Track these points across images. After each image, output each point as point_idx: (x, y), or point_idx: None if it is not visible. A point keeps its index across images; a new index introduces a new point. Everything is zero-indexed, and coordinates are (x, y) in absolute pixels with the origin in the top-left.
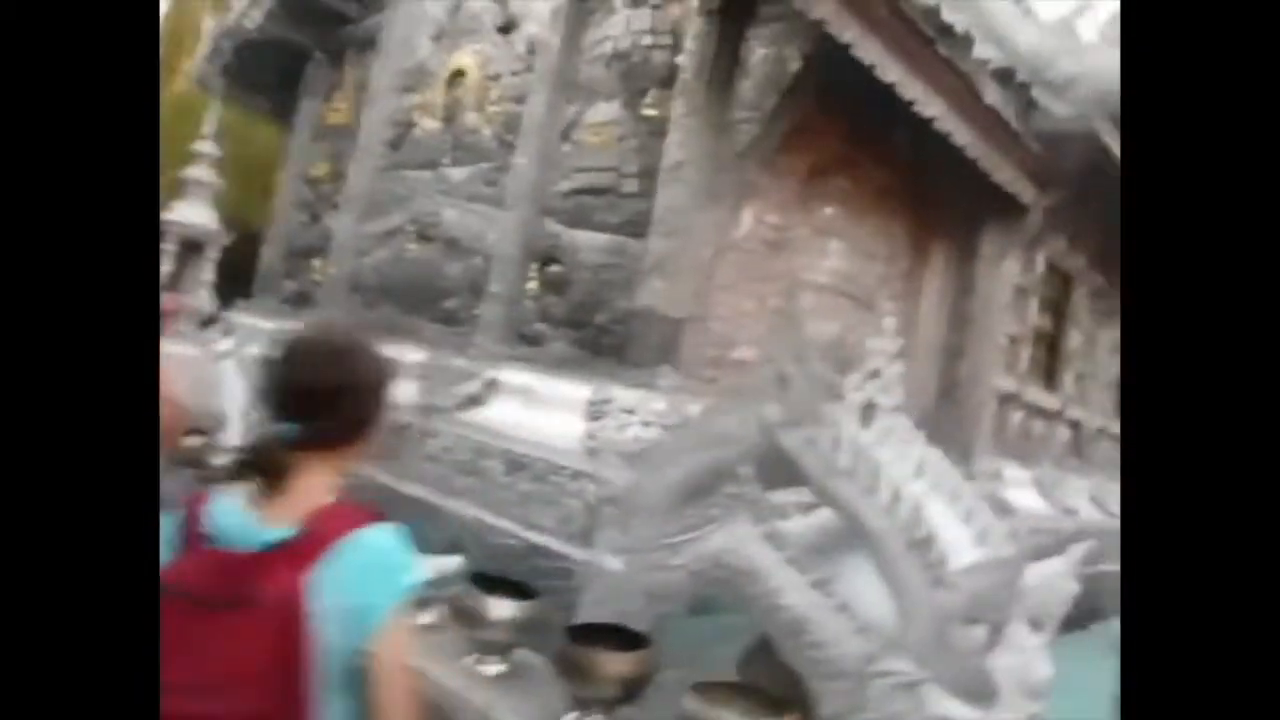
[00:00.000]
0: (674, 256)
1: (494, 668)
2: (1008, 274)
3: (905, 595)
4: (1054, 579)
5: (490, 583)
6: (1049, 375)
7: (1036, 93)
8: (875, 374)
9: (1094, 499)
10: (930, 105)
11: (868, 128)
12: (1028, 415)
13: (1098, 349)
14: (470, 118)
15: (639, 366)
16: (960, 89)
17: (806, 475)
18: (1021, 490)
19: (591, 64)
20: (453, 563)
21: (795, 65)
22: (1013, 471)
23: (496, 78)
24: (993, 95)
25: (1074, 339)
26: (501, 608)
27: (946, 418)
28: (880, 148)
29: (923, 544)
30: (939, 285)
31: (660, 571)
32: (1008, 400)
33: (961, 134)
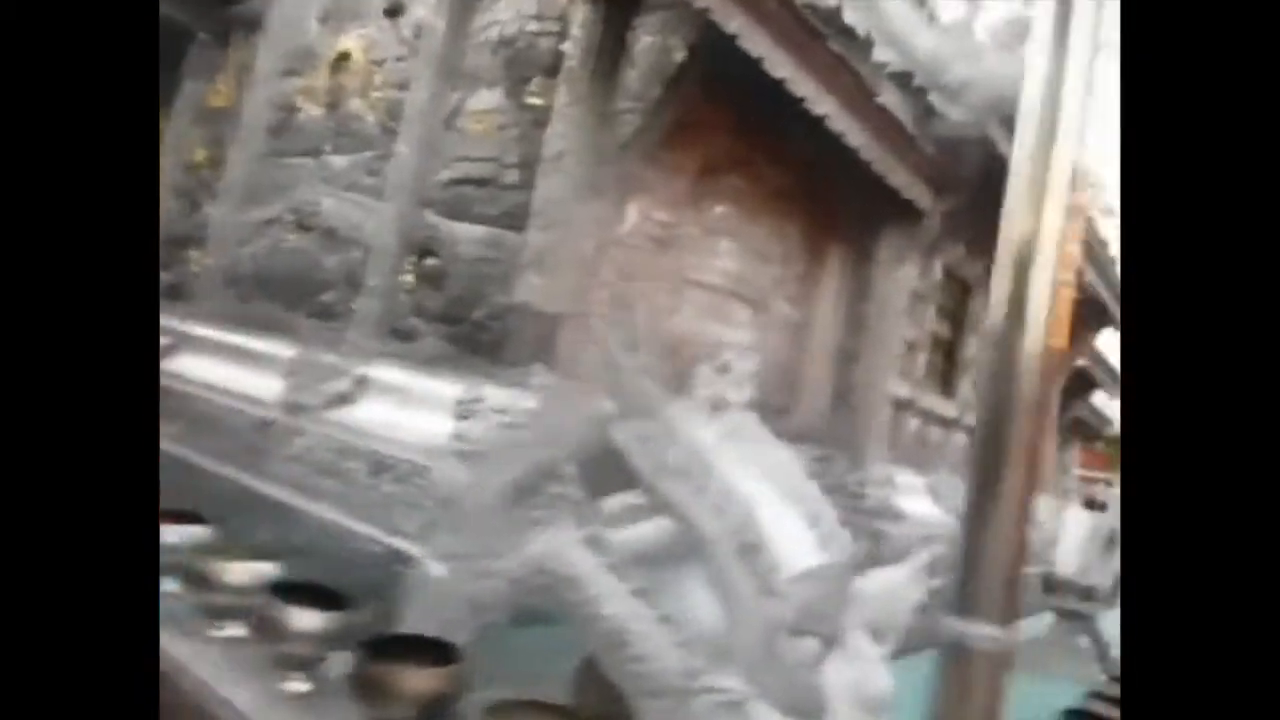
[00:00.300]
0: (552, 250)
1: (297, 686)
2: (904, 279)
3: (734, 605)
4: (896, 586)
5: (302, 591)
6: (946, 382)
7: (933, 97)
8: (725, 368)
9: None
10: (822, 103)
11: (759, 125)
12: (924, 422)
13: None
14: (354, 104)
15: (513, 364)
16: (854, 89)
17: (637, 474)
18: (915, 497)
19: (477, 50)
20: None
21: (680, 55)
22: (907, 478)
23: (381, 63)
24: (890, 98)
25: (971, 346)
26: (305, 619)
27: (841, 423)
28: (774, 146)
29: (752, 549)
30: (835, 289)
31: (483, 579)
32: (904, 406)
33: (855, 135)
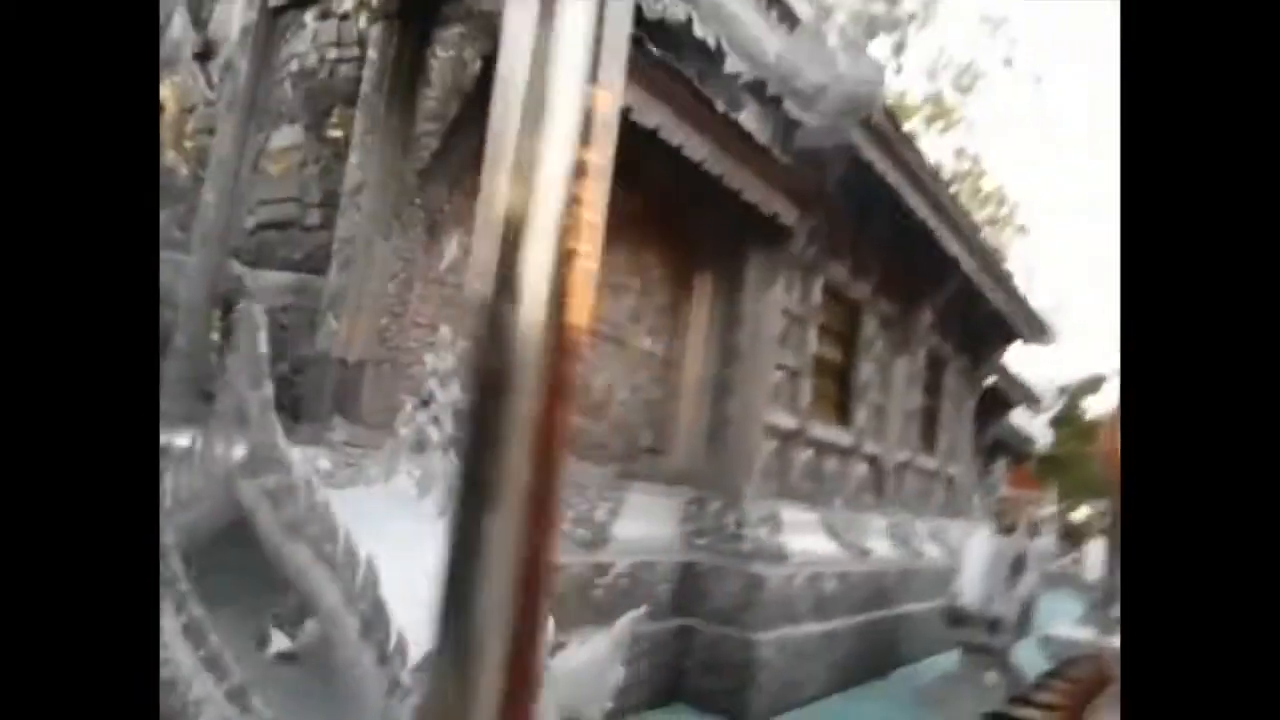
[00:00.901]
0: (352, 293)
1: None
2: (776, 302)
3: (350, 704)
4: (591, 665)
5: None
6: (839, 409)
7: (788, 105)
8: (427, 401)
9: (894, 536)
10: (651, 115)
11: None
12: (817, 453)
13: (893, 380)
14: (169, 156)
15: (313, 419)
16: (694, 103)
17: (260, 536)
18: (806, 534)
19: (280, 85)
20: None
21: (476, 66)
22: (795, 514)
23: (192, 109)
24: (742, 112)
25: (865, 371)
26: None
27: (717, 460)
28: (621, 170)
29: (374, 625)
30: (703, 318)
31: None
32: (791, 437)
33: (705, 154)
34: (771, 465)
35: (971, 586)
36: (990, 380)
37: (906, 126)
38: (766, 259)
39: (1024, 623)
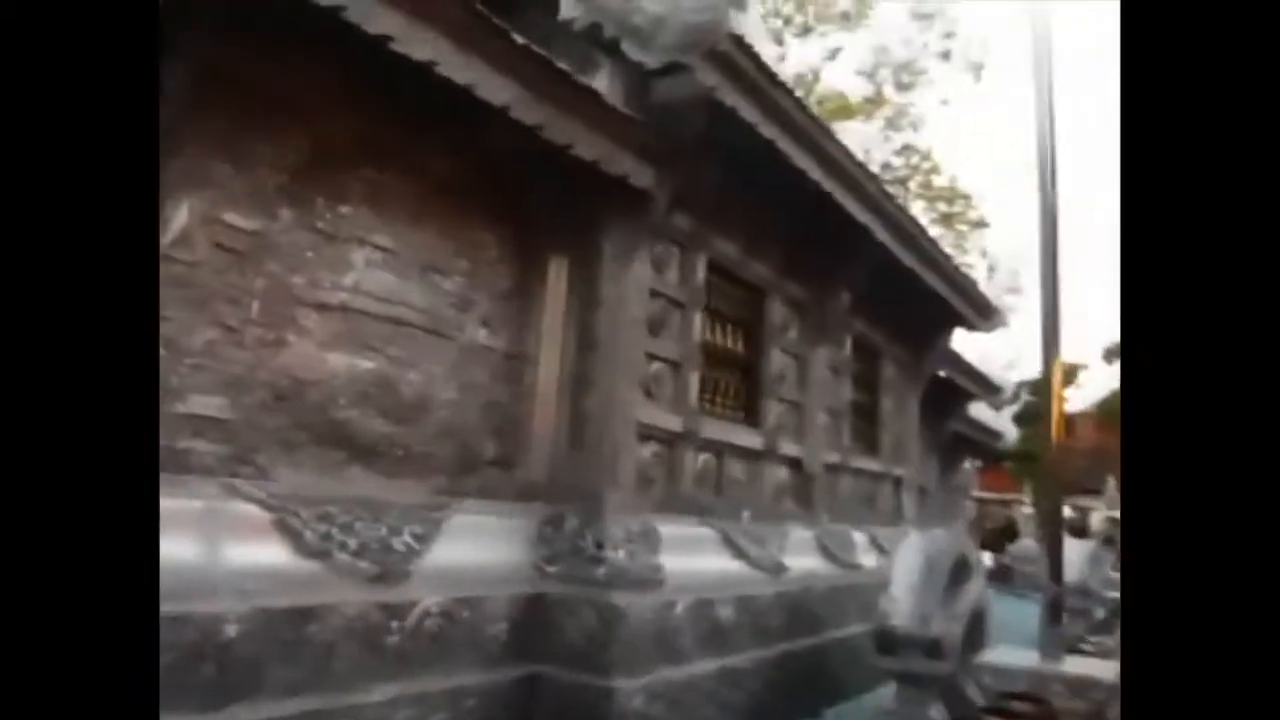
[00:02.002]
0: None
1: None
2: (639, 281)
3: None
4: None
5: None
6: (747, 408)
7: (626, 46)
8: None
9: (824, 549)
10: (465, 71)
11: (403, 104)
12: (715, 458)
13: (812, 373)
14: None
15: None
16: (518, 58)
17: None
18: (697, 552)
19: None
20: None
21: None
22: (680, 529)
23: None
24: (597, 71)
25: (775, 363)
26: None
27: (577, 471)
28: (432, 131)
29: None
30: (561, 307)
31: None
32: (676, 441)
33: (528, 109)
34: (649, 473)
35: (902, 602)
36: (940, 371)
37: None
38: (623, 231)
39: (974, 642)
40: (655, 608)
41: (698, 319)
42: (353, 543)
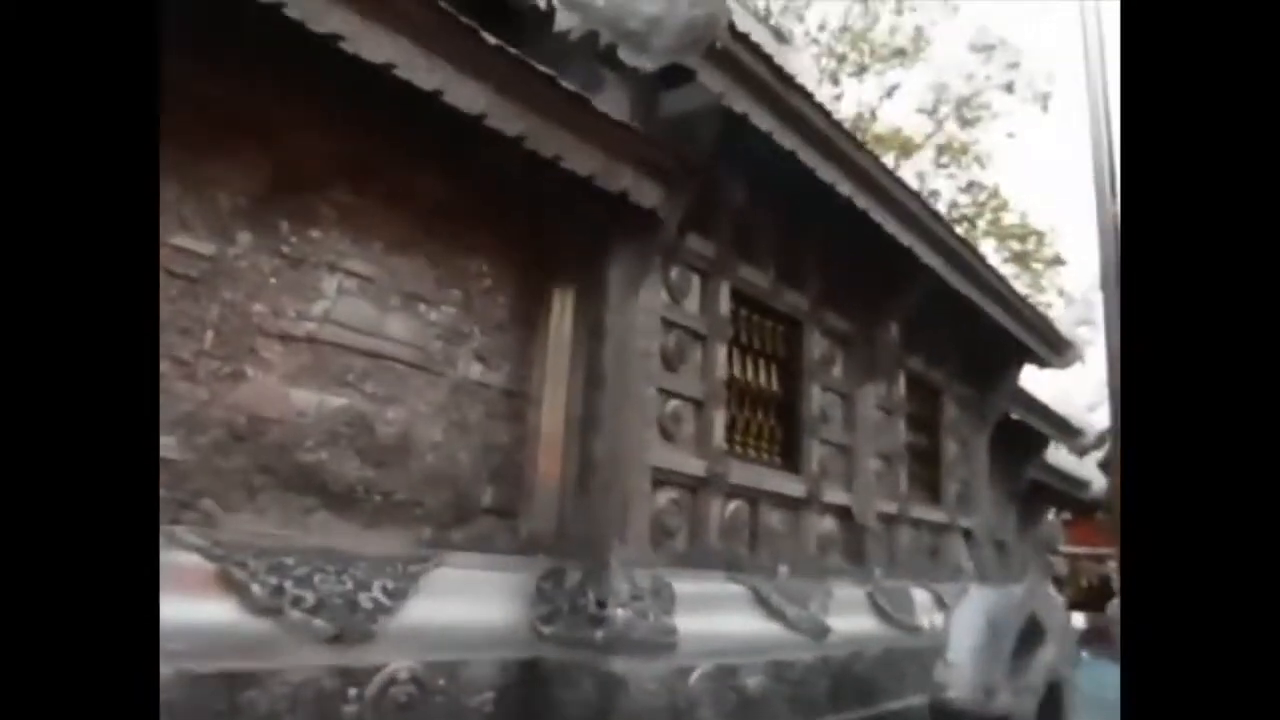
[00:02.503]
0: None
1: None
2: (648, 310)
3: None
4: None
5: None
6: (786, 452)
7: (623, 52)
8: None
9: (879, 609)
10: (416, 69)
11: (381, 122)
12: (749, 506)
13: (860, 413)
14: None
15: None
16: (520, 77)
17: None
18: (722, 611)
19: None
20: None
21: None
22: (703, 586)
23: None
24: (602, 89)
25: (817, 402)
26: None
27: (583, 521)
28: (416, 149)
29: None
30: (567, 340)
31: None
32: (698, 487)
33: (533, 129)
34: (667, 522)
35: (961, 671)
36: (1010, 413)
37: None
38: (629, 256)
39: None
40: (664, 676)
41: (722, 352)
42: (309, 598)
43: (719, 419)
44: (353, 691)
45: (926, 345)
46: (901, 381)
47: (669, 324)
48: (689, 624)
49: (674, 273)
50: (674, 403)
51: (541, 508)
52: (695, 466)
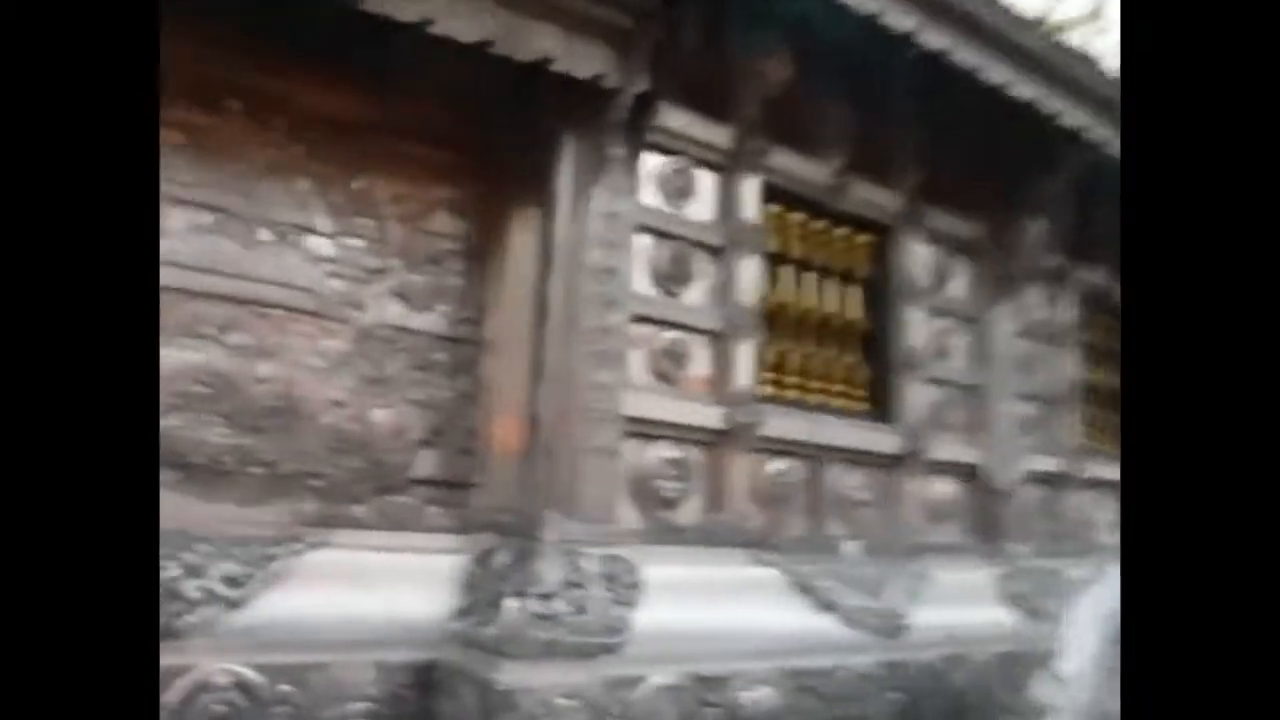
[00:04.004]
0: None
1: None
2: (609, 216)
3: None
4: None
5: None
6: (874, 396)
7: None
8: None
9: (1017, 598)
10: None
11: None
12: (809, 467)
13: (994, 344)
14: None
15: None
16: None
17: None
18: (746, 600)
19: None
20: None
21: None
22: (714, 571)
23: None
24: None
25: (921, 329)
26: None
27: (531, 484)
28: (282, 50)
29: None
30: (526, 274)
31: None
32: (719, 442)
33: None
34: (659, 489)
35: (1075, 686)
36: None
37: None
38: (581, 149)
39: None
40: (586, 687)
41: (750, 269)
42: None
43: (746, 354)
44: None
45: (1091, 250)
46: (1049, 298)
47: (660, 234)
48: (666, 618)
49: (667, 166)
50: (672, 334)
51: (495, 477)
52: (707, 416)
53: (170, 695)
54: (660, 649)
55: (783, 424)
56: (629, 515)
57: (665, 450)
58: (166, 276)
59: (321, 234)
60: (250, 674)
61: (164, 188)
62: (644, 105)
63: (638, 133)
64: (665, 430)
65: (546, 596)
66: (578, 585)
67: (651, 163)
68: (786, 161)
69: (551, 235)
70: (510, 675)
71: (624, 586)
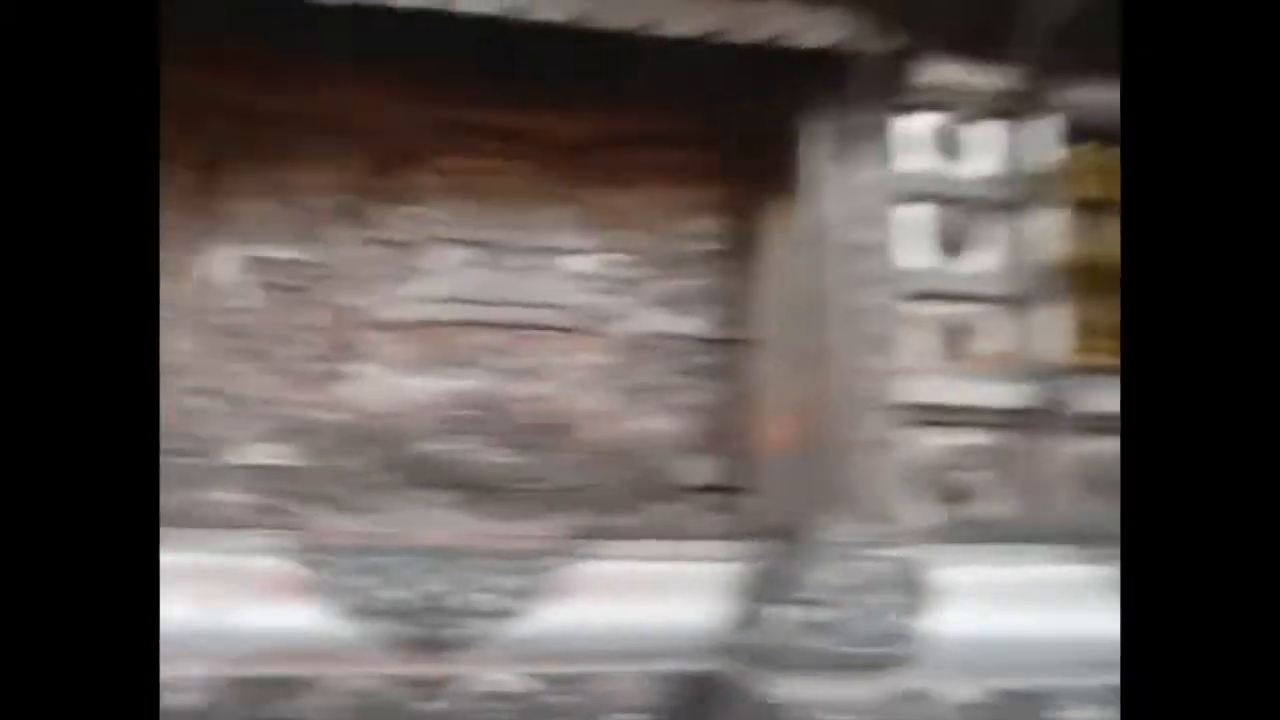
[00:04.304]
0: None
1: None
2: (856, 184)
3: None
4: None
5: None
6: None
7: None
8: None
9: None
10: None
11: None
12: None
13: None
14: None
15: None
16: None
17: None
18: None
19: None
20: None
21: None
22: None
23: None
24: None
25: None
26: None
27: (804, 483)
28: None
29: None
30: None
31: None
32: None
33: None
34: (951, 481)
35: None
36: None
37: None
38: (826, 122)
39: None
40: (865, 704)
41: (1051, 221)
42: (399, 601)
43: (1051, 321)
44: (429, 706)
45: None
46: None
47: (934, 199)
48: (966, 625)
49: (935, 123)
50: (957, 308)
51: (768, 479)
52: (1007, 394)
53: (447, 705)
54: (959, 660)
55: (1100, 397)
56: (917, 512)
57: (957, 437)
58: (435, 312)
59: (576, 252)
60: (525, 685)
61: (427, 229)
62: (896, 64)
63: (891, 95)
64: (956, 415)
65: (820, 603)
66: (856, 590)
67: (916, 123)
68: (1091, 95)
69: (806, 219)
70: (782, 688)
71: (911, 590)
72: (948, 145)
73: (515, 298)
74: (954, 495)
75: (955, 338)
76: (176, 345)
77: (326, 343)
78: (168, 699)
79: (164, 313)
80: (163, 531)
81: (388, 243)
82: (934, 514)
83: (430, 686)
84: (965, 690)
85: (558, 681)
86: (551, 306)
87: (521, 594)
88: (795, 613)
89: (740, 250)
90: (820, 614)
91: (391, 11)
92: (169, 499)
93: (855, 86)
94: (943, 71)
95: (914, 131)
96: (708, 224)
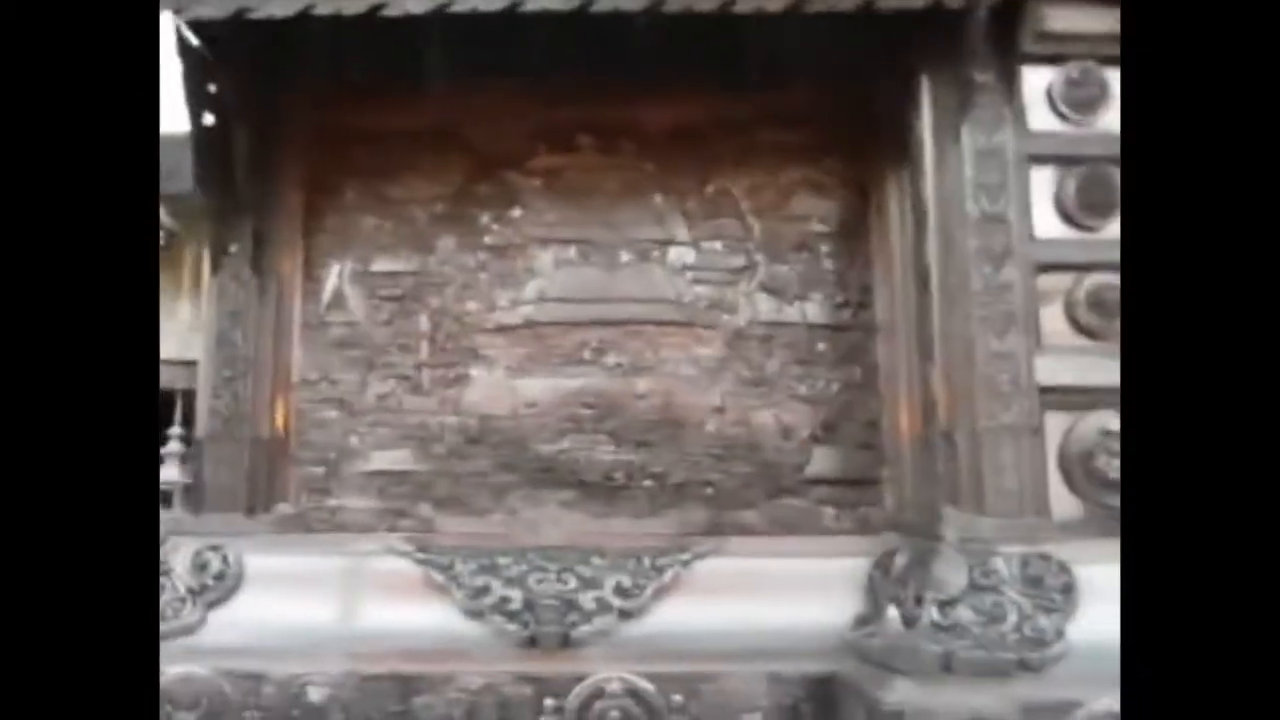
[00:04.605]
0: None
1: None
2: (982, 150)
3: None
4: None
5: None
6: None
7: None
8: None
9: None
10: None
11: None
12: None
13: None
14: None
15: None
16: None
17: None
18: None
19: None
20: None
21: None
22: None
23: None
24: None
25: None
26: None
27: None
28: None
29: None
30: (897, 244)
31: None
32: None
33: None
34: (1097, 469)
35: None
36: None
37: None
38: (937, 86)
39: None
40: (994, 711)
41: None
42: (516, 600)
43: None
44: (547, 703)
45: None
46: None
47: (1064, 160)
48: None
49: (1061, 77)
50: (1095, 279)
51: (896, 470)
52: None
53: (567, 702)
54: (1107, 668)
55: None
56: (1060, 505)
57: (1104, 421)
58: (543, 313)
59: (681, 243)
60: (643, 683)
61: (528, 230)
62: (1011, 14)
63: (1008, 49)
64: (1100, 397)
65: (947, 604)
66: (988, 590)
67: (1038, 79)
68: None
69: (923, 192)
70: (900, 693)
71: (1051, 590)
72: (1080, 99)
73: (620, 293)
74: (1102, 485)
75: (1093, 312)
76: (300, 358)
77: (442, 349)
78: (307, 695)
79: (288, 329)
80: (294, 537)
81: (495, 248)
82: (1080, 506)
83: (551, 684)
84: (1111, 701)
85: (677, 681)
86: (659, 301)
87: (641, 592)
88: (927, 613)
89: (855, 230)
90: (954, 615)
91: (482, 16)
92: (297, 506)
93: (965, 43)
94: (1070, 17)
95: (1042, 86)
96: (818, 205)
